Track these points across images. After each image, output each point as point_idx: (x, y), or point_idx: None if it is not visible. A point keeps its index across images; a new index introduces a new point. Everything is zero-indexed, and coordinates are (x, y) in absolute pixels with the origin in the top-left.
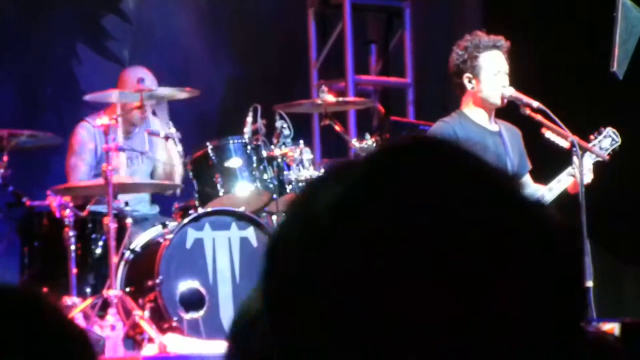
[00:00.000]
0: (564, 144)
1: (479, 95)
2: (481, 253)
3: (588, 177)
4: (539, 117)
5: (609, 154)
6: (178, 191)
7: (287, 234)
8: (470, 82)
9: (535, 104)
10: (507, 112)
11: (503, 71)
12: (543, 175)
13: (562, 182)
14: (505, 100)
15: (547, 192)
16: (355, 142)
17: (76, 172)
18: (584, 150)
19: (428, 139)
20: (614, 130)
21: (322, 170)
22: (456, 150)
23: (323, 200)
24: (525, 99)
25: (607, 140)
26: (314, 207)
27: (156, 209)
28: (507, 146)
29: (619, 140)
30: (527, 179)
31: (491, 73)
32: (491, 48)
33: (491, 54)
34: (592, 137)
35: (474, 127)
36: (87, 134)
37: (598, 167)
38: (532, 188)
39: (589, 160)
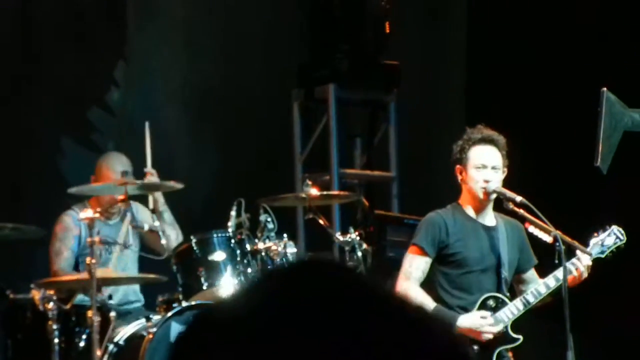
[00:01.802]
0: (547, 238)
1: (466, 187)
2: None
3: (584, 274)
4: (522, 211)
5: (611, 251)
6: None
7: None
8: (460, 173)
9: (519, 198)
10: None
11: (490, 166)
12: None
13: (560, 278)
14: (491, 196)
15: (543, 286)
16: (339, 236)
17: (60, 257)
18: (567, 244)
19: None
20: (620, 229)
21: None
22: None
23: None
24: (509, 193)
25: (611, 239)
26: None
27: (141, 299)
28: (502, 241)
29: (624, 239)
30: (532, 273)
31: (475, 166)
32: (480, 142)
33: (481, 148)
34: (596, 234)
35: (465, 221)
36: (71, 221)
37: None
38: (536, 283)
39: (587, 257)
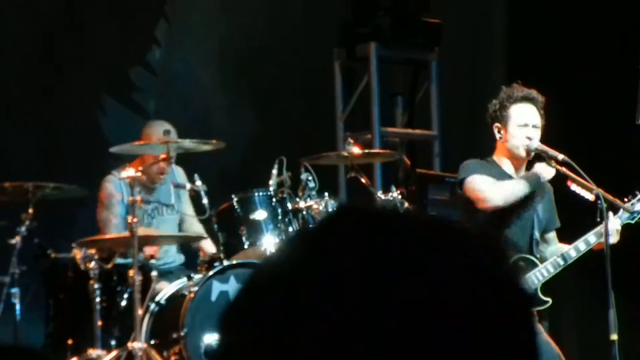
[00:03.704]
0: (589, 196)
1: (505, 145)
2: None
3: (614, 238)
4: (564, 169)
5: None
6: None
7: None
8: (499, 132)
9: (561, 156)
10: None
11: (531, 124)
12: (571, 231)
13: (590, 242)
14: (532, 154)
15: (573, 250)
16: (380, 195)
17: (109, 225)
18: (609, 202)
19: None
20: None
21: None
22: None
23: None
24: (551, 151)
25: None
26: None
27: (181, 258)
28: (535, 200)
29: None
30: (553, 236)
31: (518, 124)
32: (522, 100)
33: (521, 106)
34: (626, 199)
35: (499, 174)
36: (113, 187)
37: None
38: (556, 246)
39: (617, 222)
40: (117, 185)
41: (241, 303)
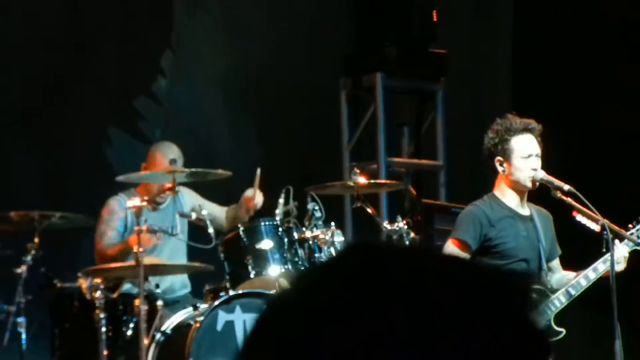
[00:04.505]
0: (595, 227)
1: (510, 178)
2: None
3: (621, 265)
4: (569, 200)
5: None
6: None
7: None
8: (501, 165)
9: (566, 187)
10: (538, 194)
11: (534, 154)
12: (576, 259)
13: (599, 270)
14: (537, 184)
15: (583, 279)
16: (386, 225)
17: (103, 237)
18: (615, 233)
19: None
20: None
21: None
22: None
23: None
24: (556, 182)
25: None
26: None
27: (188, 286)
28: (539, 231)
29: None
30: (557, 263)
31: (522, 156)
32: (522, 131)
33: (522, 138)
34: (630, 225)
35: (504, 211)
36: (117, 205)
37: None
38: (561, 274)
39: (624, 249)
40: (122, 204)
41: (257, 333)
